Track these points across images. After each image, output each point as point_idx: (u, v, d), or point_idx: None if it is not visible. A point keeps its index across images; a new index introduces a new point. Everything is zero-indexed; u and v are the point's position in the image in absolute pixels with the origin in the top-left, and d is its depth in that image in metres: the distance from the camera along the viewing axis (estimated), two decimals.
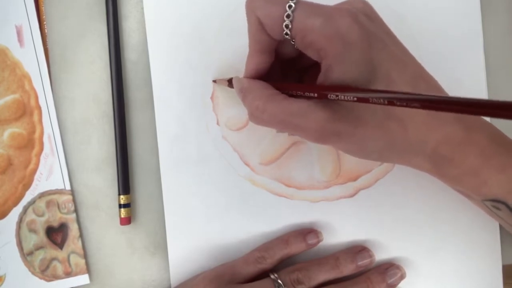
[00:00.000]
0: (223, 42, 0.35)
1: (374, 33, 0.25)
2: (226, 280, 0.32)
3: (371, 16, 0.27)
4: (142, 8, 0.35)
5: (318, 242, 0.34)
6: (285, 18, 0.25)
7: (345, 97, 0.23)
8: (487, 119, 0.30)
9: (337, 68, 0.25)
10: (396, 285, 0.33)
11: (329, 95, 0.24)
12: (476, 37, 0.35)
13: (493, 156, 0.26)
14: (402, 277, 0.33)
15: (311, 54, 0.26)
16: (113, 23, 0.35)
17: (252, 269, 0.32)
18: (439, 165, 0.27)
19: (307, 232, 0.34)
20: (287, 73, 0.31)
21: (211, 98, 0.35)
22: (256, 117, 0.27)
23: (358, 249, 0.34)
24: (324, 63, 0.25)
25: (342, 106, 0.25)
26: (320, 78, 0.26)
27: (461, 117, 0.27)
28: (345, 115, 0.25)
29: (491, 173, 0.26)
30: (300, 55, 0.28)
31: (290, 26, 0.25)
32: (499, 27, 0.36)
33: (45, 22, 0.35)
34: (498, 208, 0.27)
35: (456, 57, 0.35)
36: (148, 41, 0.35)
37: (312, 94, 0.25)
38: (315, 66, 0.27)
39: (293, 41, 0.26)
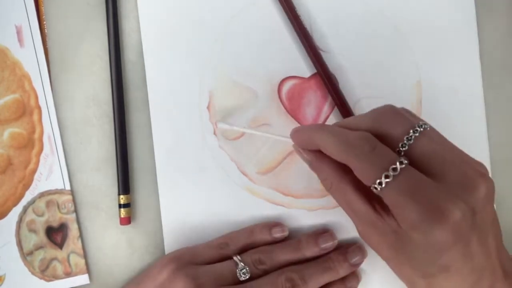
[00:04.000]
0: (220, 51, 0.35)
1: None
2: (186, 260, 0.32)
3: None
4: None
5: (283, 236, 0.34)
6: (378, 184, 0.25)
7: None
8: None
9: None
10: (359, 264, 0.33)
11: None
12: (471, 43, 0.36)
13: None
14: (364, 256, 0.33)
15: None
16: (113, 23, 0.35)
17: (214, 253, 0.33)
18: None
19: (273, 225, 0.34)
20: None
21: (208, 108, 0.35)
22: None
23: (321, 232, 0.34)
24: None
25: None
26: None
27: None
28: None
29: None
30: None
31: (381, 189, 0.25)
32: (496, 32, 0.36)
33: (45, 22, 0.35)
34: None
35: (451, 62, 0.35)
36: (144, 51, 0.35)
37: None
38: None
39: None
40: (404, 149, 0.25)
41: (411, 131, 0.25)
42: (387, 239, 0.25)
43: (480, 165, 0.26)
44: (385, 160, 0.24)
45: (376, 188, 0.24)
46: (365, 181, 0.25)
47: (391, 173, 0.24)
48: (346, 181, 0.27)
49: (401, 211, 0.24)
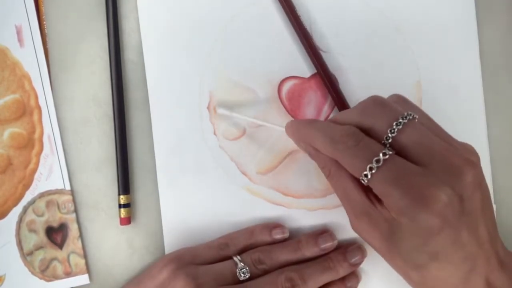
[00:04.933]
0: (220, 51, 0.35)
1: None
2: (186, 261, 0.32)
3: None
4: None
5: (283, 238, 0.34)
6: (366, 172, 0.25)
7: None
8: None
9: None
10: (358, 264, 0.33)
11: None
12: (471, 43, 0.36)
13: None
14: (364, 256, 0.33)
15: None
16: (113, 23, 0.35)
17: (214, 253, 0.33)
18: None
19: (273, 226, 0.34)
20: None
21: (208, 108, 0.35)
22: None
23: (320, 232, 0.34)
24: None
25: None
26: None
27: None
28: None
29: None
30: None
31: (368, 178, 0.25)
32: (497, 32, 0.36)
33: (45, 22, 0.35)
34: None
35: (451, 62, 0.35)
36: (144, 51, 0.35)
37: None
38: None
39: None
40: (389, 141, 0.25)
41: (394, 123, 0.25)
42: (379, 229, 0.26)
43: (468, 151, 0.26)
44: (369, 152, 0.25)
45: (364, 180, 0.25)
46: (354, 174, 0.26)
47: (374, 164, 0.24)
48: (342, 169, 0.27)
49: (388, 199, 0.25)
